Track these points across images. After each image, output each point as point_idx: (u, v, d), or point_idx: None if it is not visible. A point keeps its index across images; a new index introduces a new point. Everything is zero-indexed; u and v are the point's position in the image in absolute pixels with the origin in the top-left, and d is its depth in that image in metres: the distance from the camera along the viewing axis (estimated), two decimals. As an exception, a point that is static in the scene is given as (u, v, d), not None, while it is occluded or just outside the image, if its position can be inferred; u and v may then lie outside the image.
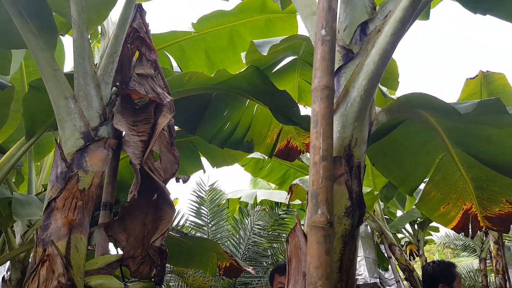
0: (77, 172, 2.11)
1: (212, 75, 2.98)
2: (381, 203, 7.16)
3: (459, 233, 3.42)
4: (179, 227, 6.03)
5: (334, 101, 1.57)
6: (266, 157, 4.87)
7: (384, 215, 7.92)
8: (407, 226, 8.79)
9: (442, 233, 12.19)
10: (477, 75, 5.31)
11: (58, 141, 2.24)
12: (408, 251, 9.74)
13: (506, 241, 9.50)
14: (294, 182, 4.56)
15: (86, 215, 2.11)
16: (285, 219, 6.37)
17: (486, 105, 2.17)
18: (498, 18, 2.59)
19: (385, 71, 5.39)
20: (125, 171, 3.68)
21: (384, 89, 5.25)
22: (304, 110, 4.28)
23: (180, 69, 4.02)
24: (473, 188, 3.21)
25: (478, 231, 3.32)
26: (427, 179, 3.34)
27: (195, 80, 2.94)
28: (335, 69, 1.69)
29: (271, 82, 3.29)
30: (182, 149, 4.10)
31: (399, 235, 9.80)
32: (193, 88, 3.11)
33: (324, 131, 1.40)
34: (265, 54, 3.09)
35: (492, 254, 6.83)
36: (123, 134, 2.39)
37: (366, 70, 1.51)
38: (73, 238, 2.01)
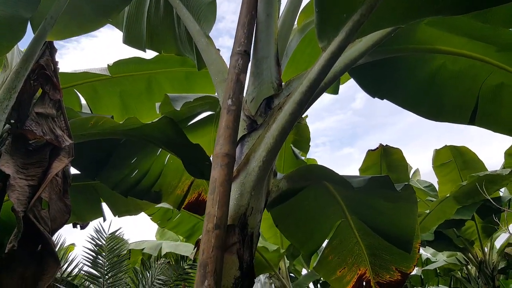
0: None
1: (121, 122, 2.87)
2: (287, 261, 7.24)
3: (353, 298, 3.55)
4: (70, 278, 5.43)
5: (235, 168, 1.59)
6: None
7: (290, 273, 8.00)
8: (311, 285, 8.94)
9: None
10: (377, 148, 5.83)
11: None
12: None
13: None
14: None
15: None
16: (190, 274, 6.08)
17: (377, 180, 2.36)
18: (394, 104, 2.92)
19: (298, 135, 5.63)
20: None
21: (296, 151, 5.53)
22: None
23: (90, 109, 3.82)
24: (367, 255, 3.40)
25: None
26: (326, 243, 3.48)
27: (102, 125, 2.80)
28: (240, 137, 1.73)
29: (185, 135, 3.26)
30: (81, 194, 3.81)
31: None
32: (99, 132, 2.96)
33: (220, 199, 1.40)
34: (178, 109, 3.09)
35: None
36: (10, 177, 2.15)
37: (266, 143, 1.57)
38: None
